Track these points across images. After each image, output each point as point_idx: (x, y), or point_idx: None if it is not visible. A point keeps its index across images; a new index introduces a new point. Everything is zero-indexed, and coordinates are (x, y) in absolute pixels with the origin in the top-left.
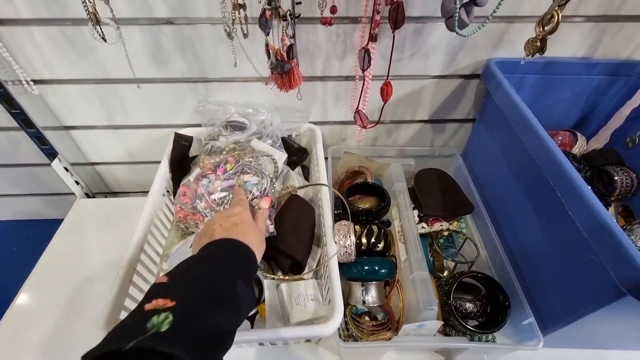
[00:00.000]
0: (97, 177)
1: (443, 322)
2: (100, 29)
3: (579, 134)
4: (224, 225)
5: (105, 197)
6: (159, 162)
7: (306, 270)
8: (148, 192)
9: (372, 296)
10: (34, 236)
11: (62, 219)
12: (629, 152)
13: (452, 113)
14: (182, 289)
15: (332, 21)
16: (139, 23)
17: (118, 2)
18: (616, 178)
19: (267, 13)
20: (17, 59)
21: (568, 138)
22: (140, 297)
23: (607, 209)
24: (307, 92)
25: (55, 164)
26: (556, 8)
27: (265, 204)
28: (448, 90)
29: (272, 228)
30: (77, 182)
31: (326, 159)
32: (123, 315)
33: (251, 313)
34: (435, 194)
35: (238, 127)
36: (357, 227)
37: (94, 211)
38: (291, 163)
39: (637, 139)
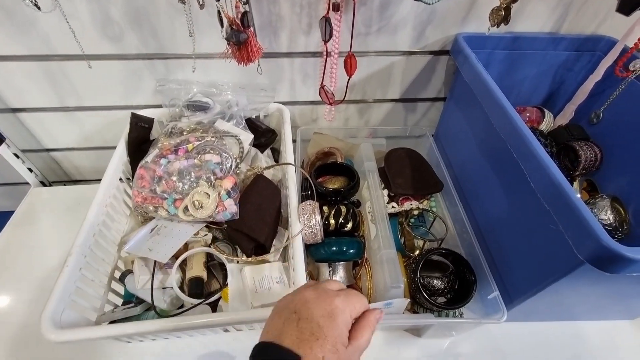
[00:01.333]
0: (54, 165)
1: (411, 300)
2: None
3: (546, 111)
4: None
5: (65, 185)
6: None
7: (272, 252)
8: None
9: (340, 277)
10: None
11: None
12: (594, 127)
13: (423, 92)
14: None
15: None
16: None
17: None
18: (580, 153)
19: None
20: None
21: (536, 114)
22: (93, 287)
23: (572, 184)
24: (273, 69)
25: (3, 149)
26: None
27: (228, 184)
28: (418, 67)
29: (234, 209)
30: (30, 170)
31: (295, 141)
32: (72, 306)
33: (214, 298)
34: (405, 172)
35: (201, 107)
36: (325, 207)
37: (50, 200)
38: (260, 145)
39: (602, 114)
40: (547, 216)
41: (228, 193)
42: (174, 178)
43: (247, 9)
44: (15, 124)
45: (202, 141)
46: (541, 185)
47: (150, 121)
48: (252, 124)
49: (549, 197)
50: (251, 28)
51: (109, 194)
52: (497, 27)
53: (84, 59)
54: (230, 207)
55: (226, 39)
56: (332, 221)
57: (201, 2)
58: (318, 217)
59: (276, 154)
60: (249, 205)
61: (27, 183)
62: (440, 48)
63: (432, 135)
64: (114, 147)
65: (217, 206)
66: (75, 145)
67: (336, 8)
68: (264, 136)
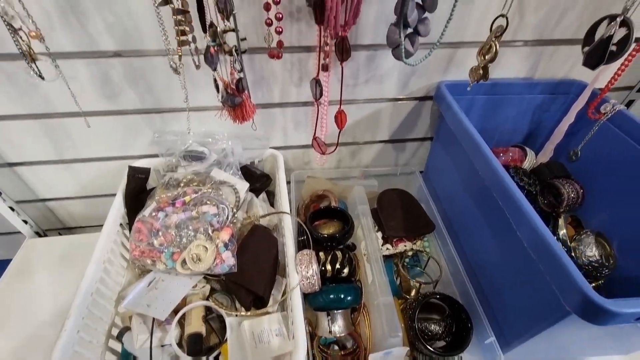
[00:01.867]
0: (48, 214)
1: (409, 347)
2: (37, 66)
3: (527, 149)
4: None
5: (59, 233)
6: (114, 196)
7: (270, 303)
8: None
9: (339, 325)
10: None
11: (10, 260)
12: (573, 164)
13: (410, 133)
14: None
15: (280, 55)
16: (84, 57)
17: (59, 36)
18: (562, 191)
19: (212, 49)
20: None
21: (518, 154)
22: (90, 348)
23: (557, 220)
24: (266, 118)
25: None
26: (493, 39)
27: (225, 236)
28: (404, 112)
29: (232, 261)
30: (25, 222)
31: (289, 183)
32: None
33: (214, 354)
34: (397, 214)
35: (197, 157)
36: (321, 253)
37: (44, 251)
38: (255, 190)
39: (579, 152)
40: (534, 263)
41: (225, 245)
42: (172, 231)
43: (242, 75)
44: (11, 177)
45: (199, 193)
46: (526, 235)
47: (147, 171)
48: (247, 170)
49: (533, 246)
50: (245, 91)
51: (106, 250)
52: (477, 83)
53: (82, 115)
54: (228, 260)
55: (222, 102)
56: (329, 267)
57: (197, 64)
58: (315, 267)
59: (271, 197)
60: (247, 256)
61: (21, 232)
62: (425, 94)
63: (422, 172)
64: (109, 195)
65: (215, 259)
66: (70, 194)
67: (325, 68)
68: (259, 181)
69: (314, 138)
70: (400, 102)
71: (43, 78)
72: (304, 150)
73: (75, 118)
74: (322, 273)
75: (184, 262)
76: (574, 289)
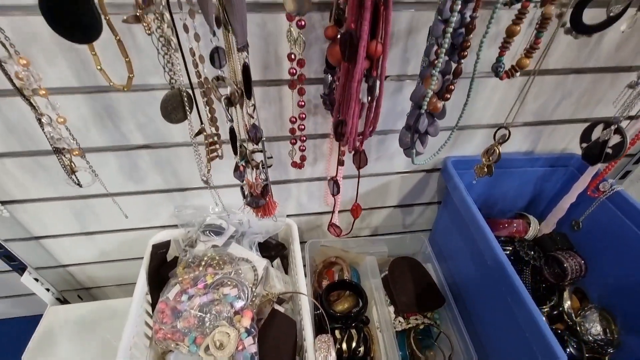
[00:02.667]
0: (68, 277)
1: None
2: (76, 177)
3: (531, 219)
4: None
5: (78, 295)
6: (133, 259)
7: None
8: (122, 285)
9: None
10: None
11: (30, 316)
12: (576, 234)
13: (418, 198)
14: None
15: (302, 165)
16: (115, 150)
17: (93, 136)
18: (566, 265)
19: (241, 167)
20: None
21: (522, 225)
22: None
23: (563, 293)
24: (282, 192)
25: (25, 278)
26: (497, 145)
27: (246, 321)
28: (413, 182)
29: (254, 349)
30: (47, 289)
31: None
32: None
33: None
34: (408, 288)
35: (216, 231)
36: (337, 332)
37: (66, 319)
38: (270, 257)
39: (581, 224)
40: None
41: (247, 331)
42: (195, 314)
43: (267, 183)
44: (36, 248)
45: (220, 274)
46: (524, 321)
47: (167, 245)
48: (264, 242)
49: (530, 332)
50: (269, 194)
51: (132, 336)
52: (482, 177)
53: (108, 196)
54: (250, 348)
55: (247, 204)
56: (345, 347)
57: (220, 155)
58: (334, 354)
59: (284, 262)
60: (268, 344)
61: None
62: (432, 167)
63: (430, 229)
64: (128, 259)
65: (237, 345)
66: (90, 260)
67: (342, 163)
68: (275, 249)
69: (331, 224)
70: (409, 174)
71: (81, 186)
72: (317, 216)
73: (101, 198)
74: (339, 352)
75: (207, 347)
76: None
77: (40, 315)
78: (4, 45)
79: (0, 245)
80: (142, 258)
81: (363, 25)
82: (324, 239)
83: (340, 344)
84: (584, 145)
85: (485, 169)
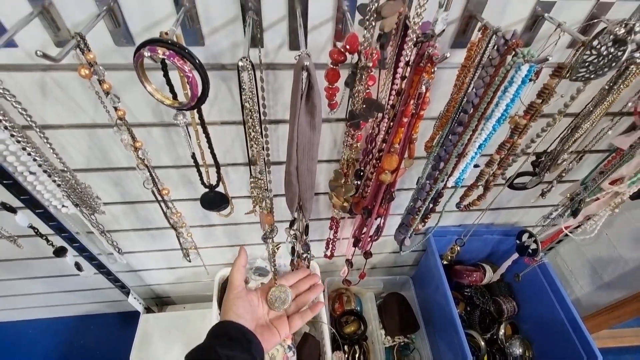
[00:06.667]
0: (149, 291)
1: None
2: (188, 254)
3: (487, 269)
4: None
5: (156, 303)
6: (199, 281)
7: None
8: (187, 296)
9: None
10: (94, 330)
11: (115, 313)
12: (516, 284)
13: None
14: None
15: (332, 257)
16: (203, 226)
17: (192, 218)
18: (504, 307)
19: (294, 261)
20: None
21: (479, 276)
22: None
23: (500, 325)
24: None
25: (131, 299)
26: (457, 246)
27: (288, 341)
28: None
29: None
30: (140, 303)
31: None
32: None
33: None
34: (395, 317)
35: (261, 272)
36: (345, 347)
37: (156, 324)
38: None
39: (520, 277)
40: None
41: (290, 348)
42: None
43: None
44: (134, 277)
45: None
46: (457, 343)
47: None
48: None
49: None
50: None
51: None
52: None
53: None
54: (292, 359)
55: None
56: (351, 358)
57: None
58: None
59: None
60: (303, 356)
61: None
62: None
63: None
64: (194, 282)
65: (283, 358)
66: (169, 282)
67: (351, 265)
68: None
69: (344, 280)
70: None
71: (189, 261)
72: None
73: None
74: None
75: None
76: None
77: (124, 313)
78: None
79: (116, 278)
80: (203, 281)
81: (375, 207)
82: (337, 276)
83: (348, 356)
84: (517, 242)
85: (449, 258)
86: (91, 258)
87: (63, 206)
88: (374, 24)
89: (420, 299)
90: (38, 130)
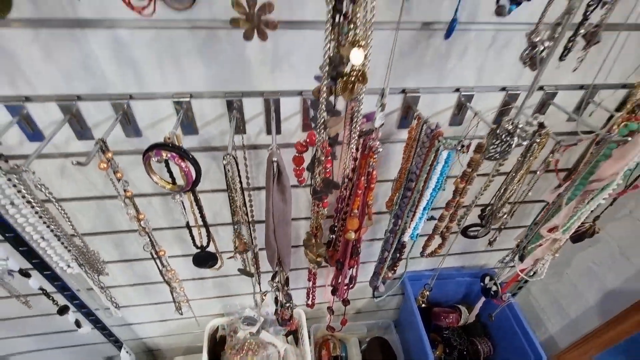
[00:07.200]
0: (142, 344)
1: None
2: (180, 307)
3: (463, 310)
4: None
5: (147, 357)
6: (190, 333)
7: None
8: (176, 348)
9: None
10: None
11: None
12: (490, 323)
13: (389, 291)
14: None
15: (313, 306)
16: (196, 279)
17: (184, 272)
18: (479, 348)
19: (279, 312)
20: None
21: (455, 318)
22: None
23: None
24: (297, 295)
25: (123, 353)
26: (427, 291)
27: None
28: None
29: None
30: (130, 356)
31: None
32: None
33: None
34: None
35: (250, 322)
36: None
37: None
38: (287, 333)
39: (493, 317)
40: None
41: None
42: None
43: (292, 315)
44: (127, 331)
45: (259, 356)
46: None
47: (217, 329)
48: None
49: None
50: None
51: None
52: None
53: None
54: None
55: (280, 325)
56: None
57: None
58: None
59: (296, 335)
60: None
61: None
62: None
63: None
64: (187, 333)
65: None
66: (161, 334)
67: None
68: (289, 335)
69: (328, 327)
70: None
71: (181, 314)
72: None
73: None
74: None
75: None
76: None
77: None
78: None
79: (111, 332)
80: (193, 332)
81: (346, 260)
82: (323, 322)
83: None
84: (481, 284)
85: (421, 301)
86: (89, 314)
87: (68, 267)
88: (322, 131)
89: (402, 342)
90: (57, 204)
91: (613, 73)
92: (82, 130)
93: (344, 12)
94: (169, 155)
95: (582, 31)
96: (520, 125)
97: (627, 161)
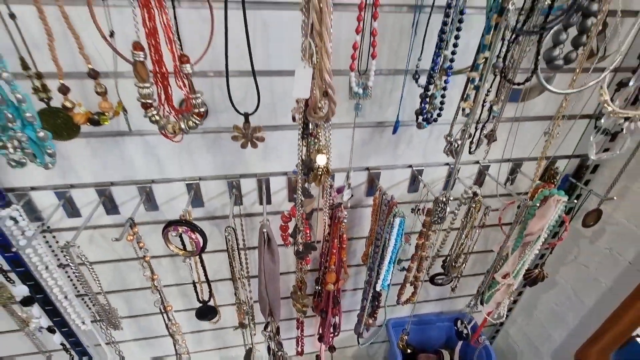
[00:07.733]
0: None
1: None
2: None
3: (445, 354)
4: None
5: None
6: None
7: None
8: None
9: None
10: None
11: None
12: None
13: (375, 338)
14: None
15: (302, 353)
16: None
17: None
18: None
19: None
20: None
21: None
22: None
23: None
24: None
25: None
26: (405, 334)
27: None
28: (372, 331)
29: None
30: None
31: None
32: None
33: None
34: None
35: None
36: None
37: None
38: None
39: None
40: None
41: None
42: None
43: None
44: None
45: None
46: None
47: None
48: None
49: None
50: None
51: None
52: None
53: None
54: None
55: None
56: None
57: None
58: None
59: None
60: None
61: None
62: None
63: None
64: None
65: None
66: None
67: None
68: None
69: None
70: None
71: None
72: (308, 356)
73: None
74: None
75: None
76: None
77: None
78: None
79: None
80: None
81: (329, 310)
82: None
83: None
84: (455, 328)
85: (400, 346)
86: None
87: (83, 323)
88: (301, 207)
89: None
90: (90, 268)
91: (537, 149)
92: (110, 207)
93: (310, 132)
94: (183, 229)
95: (484, 133)
96: (451, 198)
97: (547, 220)
